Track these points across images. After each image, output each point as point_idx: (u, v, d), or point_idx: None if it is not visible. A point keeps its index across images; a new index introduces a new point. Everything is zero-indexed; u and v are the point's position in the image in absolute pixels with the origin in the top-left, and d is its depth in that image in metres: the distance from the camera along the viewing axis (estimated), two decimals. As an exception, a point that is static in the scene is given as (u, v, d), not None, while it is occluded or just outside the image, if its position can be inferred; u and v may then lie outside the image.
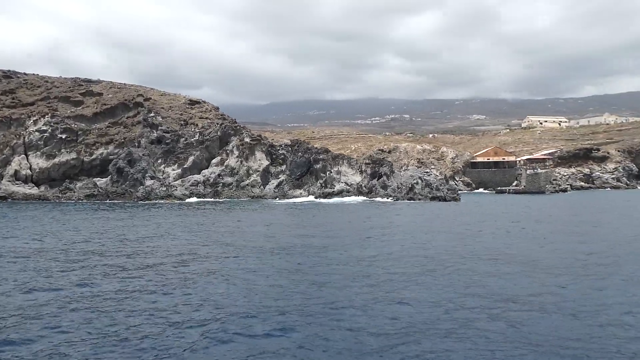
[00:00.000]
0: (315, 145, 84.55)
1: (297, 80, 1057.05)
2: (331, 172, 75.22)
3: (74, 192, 73.64)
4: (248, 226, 35.41)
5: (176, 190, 75.91)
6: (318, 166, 75.27)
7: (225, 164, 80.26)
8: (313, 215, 44.56)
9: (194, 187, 76.42)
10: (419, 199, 64.44)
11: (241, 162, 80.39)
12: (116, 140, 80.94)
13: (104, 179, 76.96)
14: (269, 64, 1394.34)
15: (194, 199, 71.51)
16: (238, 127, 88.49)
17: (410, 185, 67.19)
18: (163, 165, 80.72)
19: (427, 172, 76.91)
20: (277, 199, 72.13)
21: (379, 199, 67.58)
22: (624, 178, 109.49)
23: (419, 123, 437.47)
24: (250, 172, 79.82)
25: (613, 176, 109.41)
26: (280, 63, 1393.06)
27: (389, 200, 65.39)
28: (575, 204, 62.97)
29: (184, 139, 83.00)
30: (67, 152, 78.35)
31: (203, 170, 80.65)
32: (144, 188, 75.93)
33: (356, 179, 74.65)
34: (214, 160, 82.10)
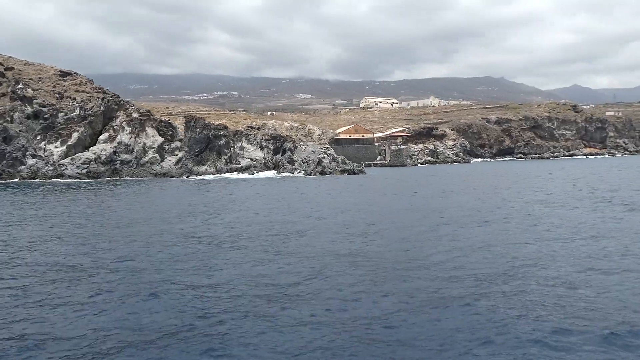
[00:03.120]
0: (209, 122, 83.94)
1: (114, 51, 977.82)
2: (234, 148, 76.34)
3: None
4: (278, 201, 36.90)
5: (66, 169, 70.11)
6: (221, 142, 75.71)
7: (117, 140, 75.89)
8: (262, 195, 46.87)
9: (86, 166, 71.25)
10: (330, 173, 69.63)
11: (134, 138, 76.83)
12: (-17, 115, 71.25)
13: (-24, 158, 67.71)
14: (81, 31, 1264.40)
15: (86, 180, 67.12)
16: (122, 102, 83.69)
17: (317, 160, 71.94)
18: (44, 143, 73.42)
19: (327, 148, 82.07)
20: (184, 175, 71.24)
21: (287, 173, 71.08)
22: (461, 154, 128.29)
23: (249, 100, 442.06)
24: (146, 148, 76.82)
25: (453, 152, 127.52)
26: (94, 31, 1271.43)
27: (300, 175, 69.34)
28: (464, 171, 74.31)
29: (63, 113, 76.22)
30: None
31: (91, 148, 75.27)
32: (28, 168, 68.79)
33: (258, 154, 76.92)
34: (101, 137, 76.97)
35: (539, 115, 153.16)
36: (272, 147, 77.59)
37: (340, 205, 32.24)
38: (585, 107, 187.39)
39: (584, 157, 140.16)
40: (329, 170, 70.33)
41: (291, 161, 74.22)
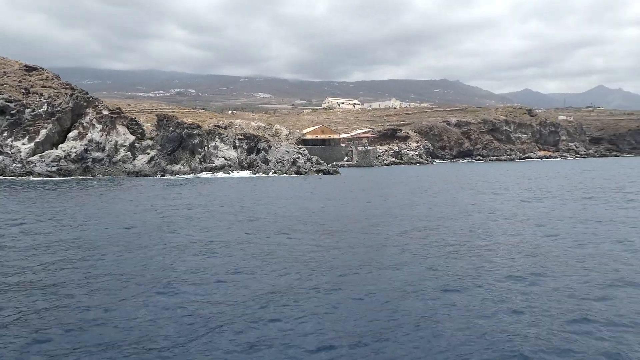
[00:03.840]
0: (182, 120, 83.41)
1: (65, 44, 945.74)
2: (209, 147, 76.34)
3: None
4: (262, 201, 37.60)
5: (35, 166, 68.46)
6: (195, 141, 75.56)
7: (87, 138, 74.55)
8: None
9: (55, 164, 69.74)
10: (305, 172, 70.72)
11: (106, 136, 75.68)
12: (-52, 109, 68.68)
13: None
14: (28, 23, 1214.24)
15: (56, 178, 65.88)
16: (91, 99, 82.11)
17: (292, 160, 72.90)
18: (10, 139, 71.34)
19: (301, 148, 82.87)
20: (159, 174, 70.82)
21: (262, 173, 71.69)
22: (424, 155, 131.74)
23: (207, 98, 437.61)
24: (118, 147, 75.80)
25: (416, 153, 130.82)
26: (43, 24, 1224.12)
27: (275, 175, 70.12)
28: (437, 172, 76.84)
29: (30, 109, 74.24)
30: None
31: (60, 145, 73.67)
32: (-5, 165, 66.77)
33: (232, 153, 77.18)
34: (70, 134, 75.40)
35: (497, 119, 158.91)
36: (245, 147, 77.99)
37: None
38: (538, 111, 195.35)
39: (539, 159, 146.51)
40: (304, 170, 71.44)
41: (266, 161, 74.90)
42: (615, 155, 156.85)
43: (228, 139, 79.66)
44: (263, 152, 76.35)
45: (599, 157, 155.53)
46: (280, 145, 78.88)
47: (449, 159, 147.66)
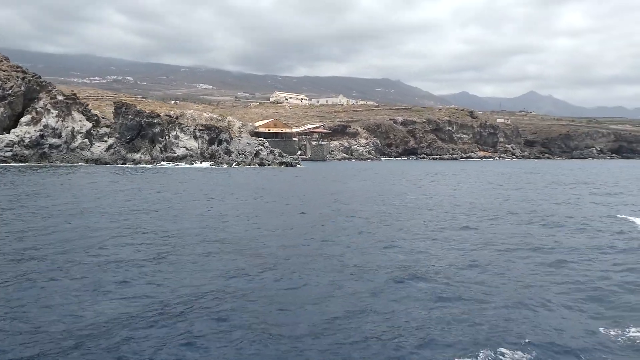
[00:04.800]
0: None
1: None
2: (169, 137, 76.08)
3: None
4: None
5: (-13, 151, 65.95)
6: (156, 130, 75.07)
7: (42, 123, 72.35)
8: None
9: (9, 149, 67.42)
10: (268, 164, 72.07)
11: (62, 122, 73.72)
12: None
13: None
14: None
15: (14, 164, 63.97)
16: (44, 83, 79.58)
17: (255, 152, 74.02)
18: (-41, 122, 68.29)
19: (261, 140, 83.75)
20: (119, 162, 70.02)
21: (225, 165, 72.35)
22: (373, 152, 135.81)
23: (146, 87, 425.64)
24: (74, 133, 74.07)
25: (366, 150, 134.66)
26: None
27: (238, 166, 71.04)
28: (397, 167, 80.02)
29: (-21, 91, 71.30)
30: None
31: (13, 130, 71.16)
32: (-56, 148, 63.85)
33: (193, 144, 77.27)
34: (23, 119, 72.94)
35: (440, 119, 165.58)
36: (207, 138, 78.26)
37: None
38: (479, 113, 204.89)
39: (479, 159, 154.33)
40: (267, 162, 72.77)
41: (228, 152, 75.58)
42: (548, 158, 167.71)
43: (188, 129, 79.60)
44: (225, 144, 76.96)
45: (533, 158, 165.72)
46: (241, 137, 79.68)
47: (395, 156, 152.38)
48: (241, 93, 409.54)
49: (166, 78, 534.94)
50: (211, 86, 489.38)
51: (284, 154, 78.25)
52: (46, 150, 69.00)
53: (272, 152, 76.33)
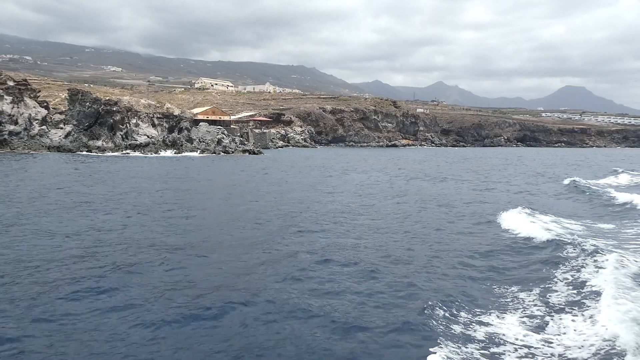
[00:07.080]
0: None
1: None
2: (130, 125, 76.74)
3: None
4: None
5: (-58, 138, 63.54)
6: (117, 118, 75.38)
7: (-5, 109, 70.25)
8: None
9: (-35, 135, 65.31)
10: (232, 152, 75.12)
11: (17, 108, 71.92)
12: None
13: None
14: None
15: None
16: (-9, 67, 76.63)
17: (217, 140, 76.76)
18: None
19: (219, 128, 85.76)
20: (82, 150, 70.04)
21: (188, 152, 74.51)
22: (309, 139, 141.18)
23: (47, 68, 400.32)
24: (31, 120, 72.57)
25: (302, 137, 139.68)
26: None
27: (203, 155, 73.45)
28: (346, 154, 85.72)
29: None
30: None
31: (-36, 116, 68.58)
32: None
33: (152, 131, 78.42)
34: (-26, 105, 70.36)
35: (367, 108, 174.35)
36: (166, 126, 79.69)
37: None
38: (401, 103, 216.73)
39: (403, 147, 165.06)
40: (231, 149, 75.87)
41: (190, 140, 77.66)
42: (463, 146, 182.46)
43: (145, 116, 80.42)
44: (186, 132, 78.89)
45: (450, 146, 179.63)
46: (200, 125, 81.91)
47: (324, 144, 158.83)
48: (153, 77, 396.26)
49: (70, 59, 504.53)
50: (120, 69, 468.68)
51: (245, 142, 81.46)
52: (6, 137, 67.51)
53: (233, 140, 79.34)
